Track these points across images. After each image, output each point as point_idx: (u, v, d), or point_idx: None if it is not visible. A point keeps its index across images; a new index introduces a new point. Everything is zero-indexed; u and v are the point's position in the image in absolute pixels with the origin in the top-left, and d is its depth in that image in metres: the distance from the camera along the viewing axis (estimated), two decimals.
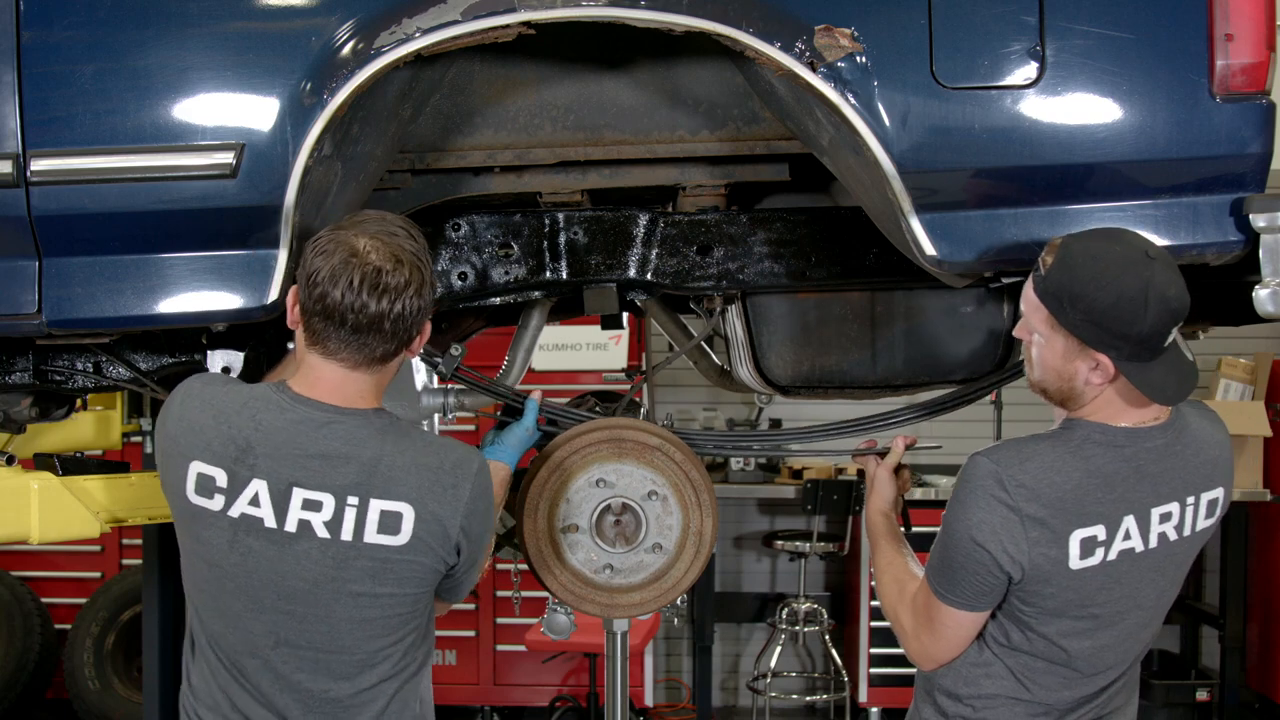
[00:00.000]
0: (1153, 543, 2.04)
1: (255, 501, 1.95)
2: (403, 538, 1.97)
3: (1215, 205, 2.14)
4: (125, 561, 6.48)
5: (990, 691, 2.10)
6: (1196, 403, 2.17)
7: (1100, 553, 2.01)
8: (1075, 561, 2.00)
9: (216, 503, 1.96)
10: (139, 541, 5.45)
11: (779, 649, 6.24)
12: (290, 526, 1.95)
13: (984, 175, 2.13)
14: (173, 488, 2.01)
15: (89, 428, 3.80)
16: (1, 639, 6.19)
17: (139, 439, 4.14)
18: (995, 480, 1.99)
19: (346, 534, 1.96)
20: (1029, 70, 2.08)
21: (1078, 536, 1.99)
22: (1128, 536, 2.02)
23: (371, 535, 1.96)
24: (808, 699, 6.72)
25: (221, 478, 1.95)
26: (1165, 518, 2.05)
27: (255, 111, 2.06)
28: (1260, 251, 2.09)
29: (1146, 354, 1.97)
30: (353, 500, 1.95)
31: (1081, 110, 2.10)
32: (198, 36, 2.08)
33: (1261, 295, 2.09)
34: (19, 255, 2.12)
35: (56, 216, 2.09)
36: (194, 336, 2.56)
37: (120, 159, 2.06)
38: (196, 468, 1.96)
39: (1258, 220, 2.09)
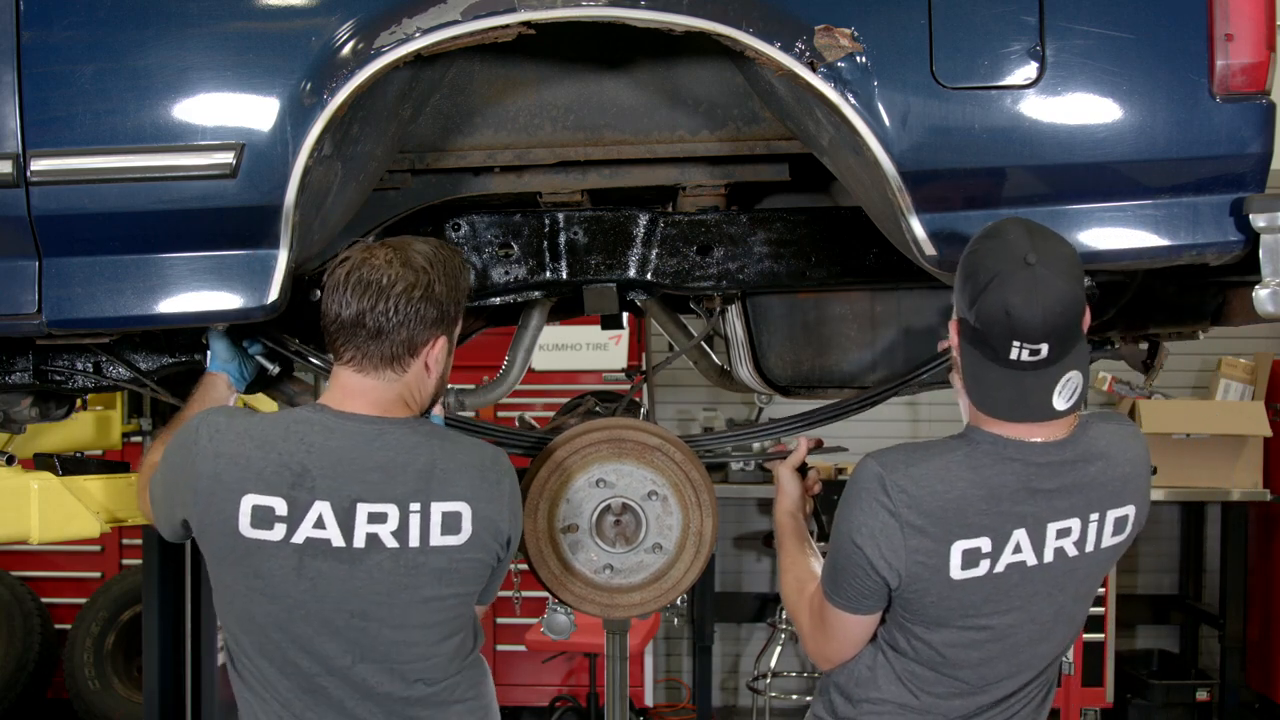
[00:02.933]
0: (1048, 557, 1.98)
1: (320, 524, 1.94)
2: (463, 536, 2.00)
3: (1215, 205, 2.14)
4: (125, 561, 6.47)
5: (880, 696, 2.07)
6: (1116, 416, 2.13)
7: (985, 564, 1.95)
8: (957, 572, 1.95)
9: (277, 532, 1.94)
10: (139, 541, 5.44)
11: (779, 649, 6.24)
12: (359, 542, 1.96)
13: (984, 175, 2.13)
14: (218, 526, 1.96)
15: (89, 428, 3.80)
16: (1, 639, 6.19)
17: (139, 439, 4.13)
18: (879, 484, 1.96)
19: (414, 540, 1.97)
20: (1029, 70, 2.08)
21: (959, 547, 1.94)
22: (1018, 549, 1.96)
23: (437, 538, 1.99)
24: (808, 699, 6.68)
25: (281, 506, 1.93)
26: (1063, 533, 1.98)
27: (255, 111, 2.06)
28: (1260, 251, 2.09)
29: (989, 351, 1.93)
30: (415, 506, 1.97)
31: (1081, 110, 2.09)
32: (198, 36, 2.08)
33: (1261, 295, 2.08)
34: (19, 255, 2.12)
35: (56, 216, 2.09)
36: (194, 336, 2.56)
37: (120, 159, 2.06)
38: (250, 500, 1.93)
39: (1258, 220, 2.09)
